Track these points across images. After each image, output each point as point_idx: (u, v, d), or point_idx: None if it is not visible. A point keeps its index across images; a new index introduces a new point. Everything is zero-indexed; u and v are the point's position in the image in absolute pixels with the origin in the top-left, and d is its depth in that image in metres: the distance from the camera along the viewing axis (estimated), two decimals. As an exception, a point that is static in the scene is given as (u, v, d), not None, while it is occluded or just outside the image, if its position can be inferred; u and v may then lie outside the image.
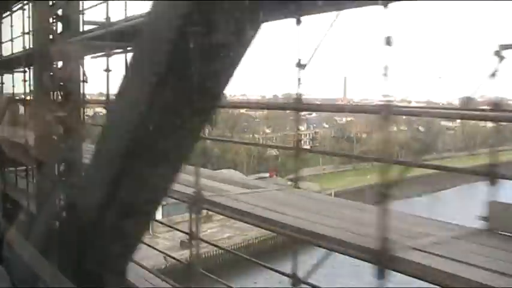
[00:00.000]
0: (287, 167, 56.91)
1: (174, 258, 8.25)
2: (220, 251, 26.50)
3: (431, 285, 2.96)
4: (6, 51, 8.56)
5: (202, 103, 3.40)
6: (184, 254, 9.06)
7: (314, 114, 57.67)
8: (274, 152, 56.88)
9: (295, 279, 3.95)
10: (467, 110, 3.93)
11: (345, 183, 56.81)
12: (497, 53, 3.34)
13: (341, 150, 55.61)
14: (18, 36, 7.65)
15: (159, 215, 37.10)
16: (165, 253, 8.28)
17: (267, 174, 55.80)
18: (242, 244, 40.63)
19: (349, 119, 64.43)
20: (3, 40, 8.75)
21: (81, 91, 4.63)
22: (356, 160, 68.64)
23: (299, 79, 4.48)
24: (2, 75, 8.76)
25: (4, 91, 8.29)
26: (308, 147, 61.67)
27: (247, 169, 56.58)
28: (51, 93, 4.50)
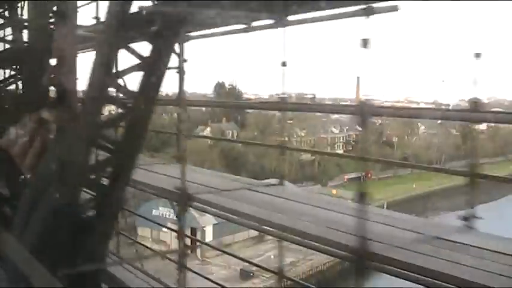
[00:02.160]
0: (328, 173, 55.56)
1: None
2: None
3: None
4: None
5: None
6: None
7: (346, 115, 56.67)
8: (309, 156, 55.88)
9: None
10: (448, 111, 3.69)
11: (392, 193, 53.93)
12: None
13: (379, 155, 54.29)
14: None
15: (209, 236, 36.05)
16: None
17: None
18: (311, 272, 36.57)
19: (384, 121, 63.17)
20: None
21: (76, 88, 4.39)
22: (398, 166, 67.27)
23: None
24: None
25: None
26: (341, 151, 60.83)
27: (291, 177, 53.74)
28: (45, 91, 4.30)
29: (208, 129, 53.26)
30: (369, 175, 57.39)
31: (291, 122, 59.95)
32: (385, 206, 47.23)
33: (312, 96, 66.95)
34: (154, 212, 34.84)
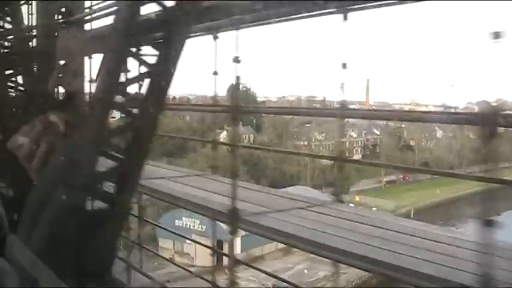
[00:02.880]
0: (349, 178, 54.31)
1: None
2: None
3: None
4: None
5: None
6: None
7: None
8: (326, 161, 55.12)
9: None
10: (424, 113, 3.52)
11: (415, 199, 52.78)
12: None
13: (400, 159, 53.33)
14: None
15: (237, 248, 33.34)
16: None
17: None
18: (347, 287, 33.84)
19: (401, 125, 62.50)
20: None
21: (86, 90, 4.35)
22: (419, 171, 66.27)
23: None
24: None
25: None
26: (360, 156, 60.27)
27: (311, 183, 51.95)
28: (55, 92, 4.30)
29: (225, 132, 52.99)
30: (407, 178, 56.52)
31: (309, 125, 59.83)
32: (411, 214, 46.44)
33: (322, 98, 66.72)
34: (177, 223, 33.49)
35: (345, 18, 4.02)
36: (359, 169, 48.65)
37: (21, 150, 2.65)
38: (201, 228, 32.29)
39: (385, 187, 57.29)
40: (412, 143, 64.66)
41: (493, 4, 3.57)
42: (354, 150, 62.67)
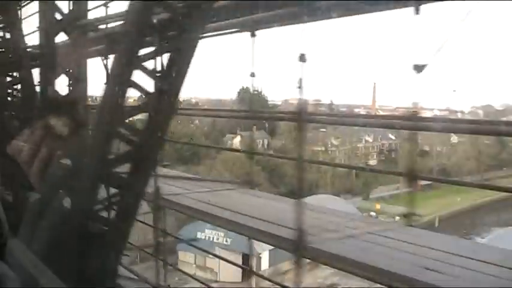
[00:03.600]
0: (367, 185, 53.49)
1: None
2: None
3: None
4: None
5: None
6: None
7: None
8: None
9: None
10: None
11: (436, 207, 50.34)
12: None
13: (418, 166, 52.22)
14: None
15: (265, 263, 32.09)
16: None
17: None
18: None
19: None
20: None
21: (87, 93, 4.25)
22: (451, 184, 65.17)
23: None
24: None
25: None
26: (375, 161, 59.61)
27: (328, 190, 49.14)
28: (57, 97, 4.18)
29: (238, 138, 52.55)
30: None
31: (324, 130, 59.37)
32: (436, 223, 45.51)
33: (329, 102, 66.10)
34: (200, 235, 31.80)
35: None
36: (375, 175, 47.99)
37: (21, 155, 2.75)
38: (226, 241, 31.21)
39: (404, 194, 56.44)
40: (426, 148, 63.76)
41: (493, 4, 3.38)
42: (370, 155, 62.04)
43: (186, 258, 31.69)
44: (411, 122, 3.43)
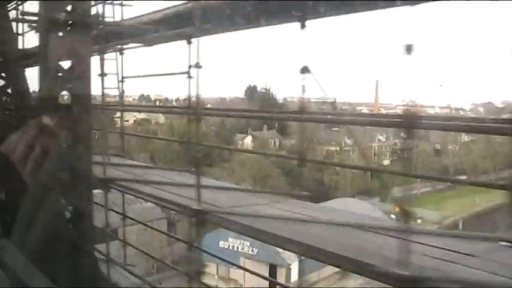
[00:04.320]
0: (384, 186, 52.15)
1: None
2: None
3: None
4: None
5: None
6: None
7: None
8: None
9: None
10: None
11: (456, 208, 49.81)
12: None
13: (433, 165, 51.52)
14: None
15: (295, 274, 29.10)
16: None
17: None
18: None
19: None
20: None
21: (90, 93, 4.08)
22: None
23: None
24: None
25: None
26: (388, 161, 58.91)
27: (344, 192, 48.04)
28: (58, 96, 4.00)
29: (249, 138, 51.93)
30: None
31: (337, 129, 58.84)
32: (460, 225, 44.48)
33: (332, 100, 65.05)
34: (223, 244, 29.55)
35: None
36: (389, 176, 47.13)
37: (15, 154, 2.61)
38: (252, 251, 29.84)
39: (421, 195, 55.33)
40: (437, 146, 63.01)
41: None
42: (384, 155, 61.36)
43: (207, 268, 29.24)
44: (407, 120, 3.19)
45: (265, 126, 54.77)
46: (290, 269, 29.22)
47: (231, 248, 30.03)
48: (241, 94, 53.23)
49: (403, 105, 2.81)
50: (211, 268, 30.07)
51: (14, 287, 2.06)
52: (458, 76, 75.53)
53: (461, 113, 63.79)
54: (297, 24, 3.77)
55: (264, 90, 64.12)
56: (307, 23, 3.70)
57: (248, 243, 29.69)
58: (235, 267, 24.00)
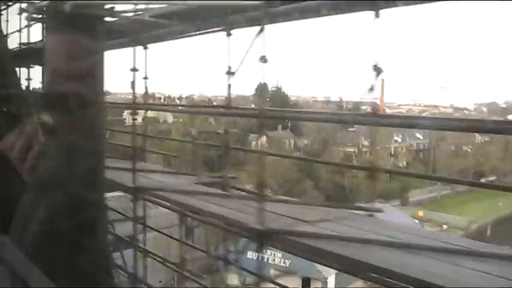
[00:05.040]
0: (405, 189, 50.57)
1: None
2: None
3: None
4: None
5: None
6: None
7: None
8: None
9: None
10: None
11: (479, 212, 47.70)
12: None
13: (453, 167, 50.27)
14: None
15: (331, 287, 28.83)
16: None
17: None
18: None
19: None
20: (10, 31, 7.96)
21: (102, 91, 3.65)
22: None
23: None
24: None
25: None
26: (405, 163, 57.94)
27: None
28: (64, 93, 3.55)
29: (264, 138, 50.98)
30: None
31: (354, 130, 57.87)
32: (488, 232, 42.94)
33: (338, 99, 64.67)
34: (250, 254, 27.41)
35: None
36: (406, 178, 46.04)
37: (13, 151, 2.82)
38: (284, 262, 28.16)
39: (441, 198, 53.96)
40: (452, 147, 61.86)
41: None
42: (399, 156, 60.32)
43: (232, 280, 28.78)
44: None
45: (280, 126, 53.95)
46: (326, 282, 28.42)
47: (259, 258, 29.17)
48: (249, 92, 52.15)
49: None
50: (235, 279, 28.55)
51: (13, 285, 2.08)
52: (462, 76, 74.82)
53: (466, 112, 62.82)
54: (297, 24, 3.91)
55: (276, 89, 63.17)
56: (309, 21, 3.71)
57: (280, 254, 28.20)
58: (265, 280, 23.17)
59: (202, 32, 4.61)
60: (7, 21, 7.38)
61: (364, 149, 54.06)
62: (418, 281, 2.65)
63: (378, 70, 2.59)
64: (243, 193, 5.20)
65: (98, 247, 3.41)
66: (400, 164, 57.03)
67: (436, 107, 67.25)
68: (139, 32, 4.83)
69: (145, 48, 4.82)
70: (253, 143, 49.34)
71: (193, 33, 4.70)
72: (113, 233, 6.09)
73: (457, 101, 62.99)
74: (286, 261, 27.94)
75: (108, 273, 3.57)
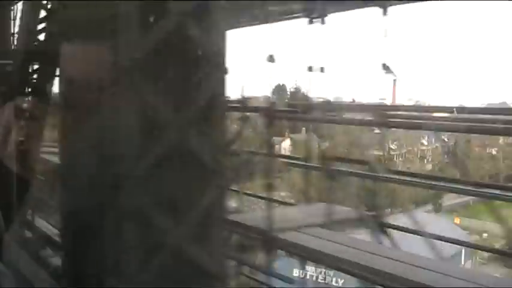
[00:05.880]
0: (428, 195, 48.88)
1: None
2: None
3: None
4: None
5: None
6: None
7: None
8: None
9: None
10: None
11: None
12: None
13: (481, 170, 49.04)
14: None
15: None
16: None
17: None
18: None
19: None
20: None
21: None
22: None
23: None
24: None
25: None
26: (430, 166, 56.77)
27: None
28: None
29: (288, 141, 50.36)
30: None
31: (379, 132, 56.73)
32: None
33: (351, 100, 63.58)
34: (297, 272, 24.86)
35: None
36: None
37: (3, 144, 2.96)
38: (336, 282, 26.02)
39: (473, 204, 52.45)
40: (476, 149, 60.22)
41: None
42: (425, 160, 59.14)
43: None
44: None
45: (304, 128, 53.15)
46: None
47: (308, 277, 27.38)
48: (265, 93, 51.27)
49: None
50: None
51: (18, 284, 2.27)
52: (471, 76, 73.47)
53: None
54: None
55: (294, 90, 62.85)
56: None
57: (331, 273, 25.59)
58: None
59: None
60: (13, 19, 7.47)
61: (392, 152, 52.96)
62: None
63: (387, 69, 2.62)
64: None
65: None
66: (435, 168, 55.66)
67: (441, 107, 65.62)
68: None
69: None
70: (276, 146, 49.02)
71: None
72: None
73: (466, 101, 62.10)
74: (339, 280, 25.44)
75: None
